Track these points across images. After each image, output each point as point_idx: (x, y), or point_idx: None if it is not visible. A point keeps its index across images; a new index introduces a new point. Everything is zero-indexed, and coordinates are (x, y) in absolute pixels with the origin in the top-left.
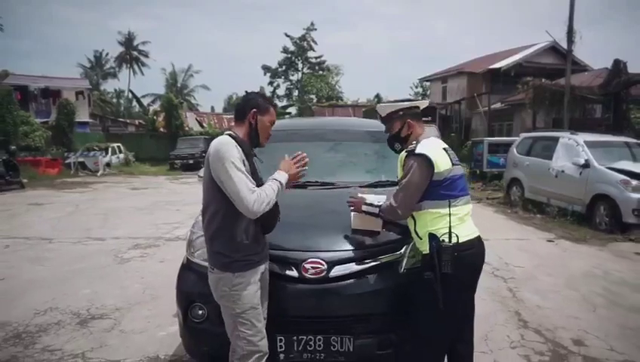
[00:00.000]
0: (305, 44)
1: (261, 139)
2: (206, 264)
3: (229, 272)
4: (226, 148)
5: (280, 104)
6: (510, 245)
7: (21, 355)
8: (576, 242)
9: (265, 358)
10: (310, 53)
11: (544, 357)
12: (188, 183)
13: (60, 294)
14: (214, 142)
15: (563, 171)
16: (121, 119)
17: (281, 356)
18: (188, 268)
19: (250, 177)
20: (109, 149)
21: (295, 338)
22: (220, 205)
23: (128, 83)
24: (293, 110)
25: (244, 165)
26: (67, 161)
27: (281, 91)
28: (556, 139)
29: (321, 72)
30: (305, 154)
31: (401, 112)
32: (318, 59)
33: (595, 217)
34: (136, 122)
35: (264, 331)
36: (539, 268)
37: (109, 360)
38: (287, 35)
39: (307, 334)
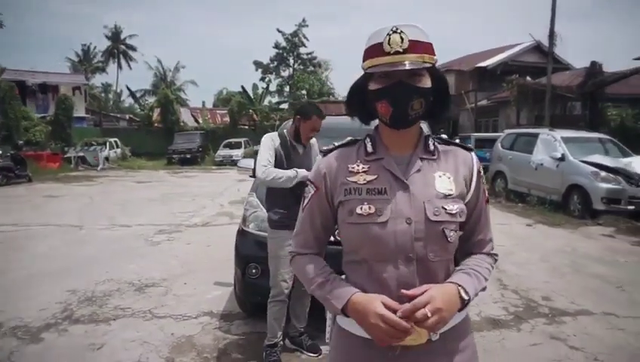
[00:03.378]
0: (297, 40)
1: (302, 138)
2: (258, 233)
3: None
4: (264, 140)
5: (272, 100)
6: (494, 229)
7: (99, 312)
8: (552, 226)
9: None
10: (302, 50)
11: (519, 309)
12: (189, 177)
13: (111, 269)
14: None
15: (542, 164)
16: (112, 114)
17: None
18: (244, 236)
19: (269, 157)
20: (107, 144)
21: None
22: None
23: (117, 77)
24: (285, 106)
25: (277, 152)
26: (67, 156)
27: (272, 87)
28: (536, 135)
29: (312, 68)
30: None
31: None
32: (309, 55)
33: (570, 205)
34: (127, 117)
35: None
36: (517, 246)
37: (173, 314)
38: (279, 31)
39: None
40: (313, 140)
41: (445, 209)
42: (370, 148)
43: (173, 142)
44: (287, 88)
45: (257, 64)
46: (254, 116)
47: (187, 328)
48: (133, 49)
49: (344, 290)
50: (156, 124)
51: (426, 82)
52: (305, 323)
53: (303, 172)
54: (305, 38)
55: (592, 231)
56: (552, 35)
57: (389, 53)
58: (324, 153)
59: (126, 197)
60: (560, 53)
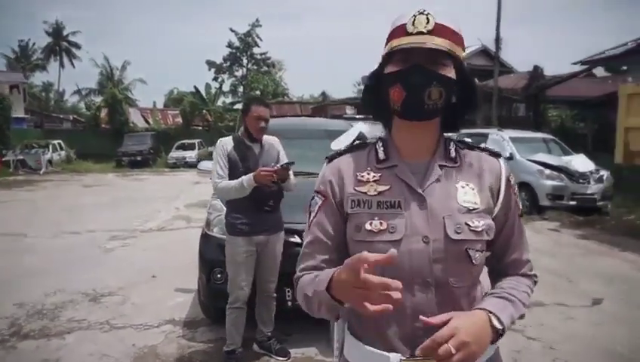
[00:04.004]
0: (250, 40)
1: (254, 134)
2: (223, 236)
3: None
4: (215, 149)
5: (226, 101)
6: None
7: (51, 325)
8: None
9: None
10: (255, 50)
11: None
12: (141, 180)
13: (62, 279)
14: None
15: None
16: (55, 114)
17: (289, 303)
18: (208, 240)
19: (220, 169)
20: (50, 146)
21: None
22: None
23: (58, 76)
24: (240, 107)
25: (231, 156)
26: (5, 159)
27: (226, 87)
28: (486, 135)
29: (265, 68)
30: (275, 169)
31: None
32: (263, 56)
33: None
34: (71, 117)
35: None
36: None
37: (133, 324)
38: (232, 30)
39: None
40: (274, 139)
41: (469, 225)
42: (382, 155)
43: (122, 144)
44: (240, 88)
45: (210, 63)
46: (208, 117)
47: (149, 338)
48: (77, 46)
49: (326, 273)
50: (103, 125)
51: (450, 72)
52: (272, 327)
53: (245, 179)
54: (258, 38)
55: (539, 226)
56: (498, 39)
57: (411, 34)
58: (330, 159)
59: (73, 203)
60: (504, 56)
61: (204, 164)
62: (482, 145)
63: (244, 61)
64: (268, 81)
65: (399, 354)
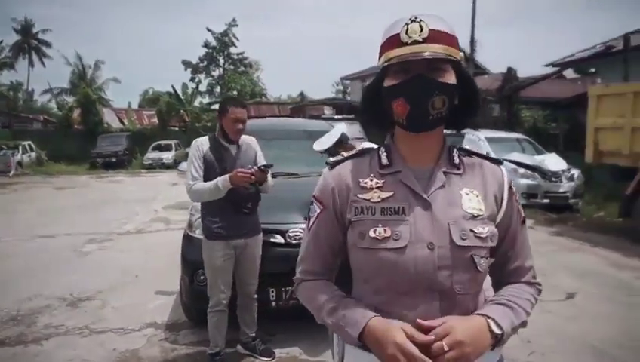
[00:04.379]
0: (227, 39)
1: (230, 135)
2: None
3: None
4: (190, 150)
5: (203, 101)
6: None
7: (27, 332)
8: None
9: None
10: (232, 49)
11: None
12: (116, 182)
13: (37, 284)
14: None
15: None
16: (24, 114)
17: (273, 303)
18: (190, 242)
19: (194, 171)
20: (19, 148)
21: (283, 289)
22: None
23: (28, 75)
24: (217, 107)
25: (207, 157)
26: None
27: (203, 87)
28: (463, 135)
29: (243, 68)
30: (252, 170)
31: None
32: (240, 55)
33: None
34: (41, 118)
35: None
36: None
37: (114, 328)
38: (209, 30)
39: (292, 286)
40: (252, 139)
41: (474, 232)
42: (385, 160)
43: (96, 145)
44: (218, 89)
45: (186, 63)
46: (185, 117)
47: (131, 341)
48: (47, 45)
49: (360, 315)
50: (76, 126)
51: (450, 78)
52: (255, 328)
53: (220, 180)
54: (235, 37)
55: None
56: (472, 41)
57: (406, 44)
58: (332, 165)
59: (47, 205)
60: (479, 58)
61: (184, 166)
62: (483, 153)
63: (221, 61)
64: (245, 81)
65: None
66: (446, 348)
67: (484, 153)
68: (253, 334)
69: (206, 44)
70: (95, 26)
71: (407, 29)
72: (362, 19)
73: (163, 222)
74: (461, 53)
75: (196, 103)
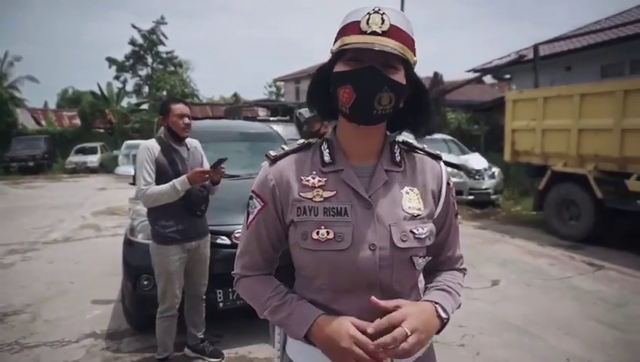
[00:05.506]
0: (155, 37)
1: (179, 133)
2: (149, 242)
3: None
4: (139, 154)
5: (131, 101)
6: None
7: None
8: None
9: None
10: (161, 48)
11: None
12: (35, 188)
13: None
14: (140, 146)
15: None
16: None
17: (221, 304)
18: (133, 247)
19: (147, 175)
20: None
21: (230, 290)
22: None
23: None
24: (146, 107)
25: (159, 161)
26: None
27: (129, 87)
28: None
29: (172, 68)
30: (208, 168)
31: (319, 116)
32: (169, 55)
33: None
34: None
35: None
36: None
37: (48, 341)
38: (135, 27)
39: None
40: (196, 142)
41: (414, 233)
42: (327, 158)
43: (10, 149)
44: (146, 88)
45: (111, 61)
46: (111, 118)
47: (69, 354)
48: None
49: (306, 312)
50: None
51: (401, 77)
52: (204, 329)
53: (177, 182)
54: (164, 36)
55: None
56: None
57: (365, 33)
58: (273, 160)
59: None
60: None
61: (123, 169)
62: (423, 147)
63: (149, 60)
64: (176, 81)
65: None
66: (409, 333)
67: (424, 147)
68: (202, 336)
69: (132, 42)
70: (9, 20)
71: (369, 18)
72: (293, 22)
73: (93, 228)
74: (415, 58)
75: (123, 104)
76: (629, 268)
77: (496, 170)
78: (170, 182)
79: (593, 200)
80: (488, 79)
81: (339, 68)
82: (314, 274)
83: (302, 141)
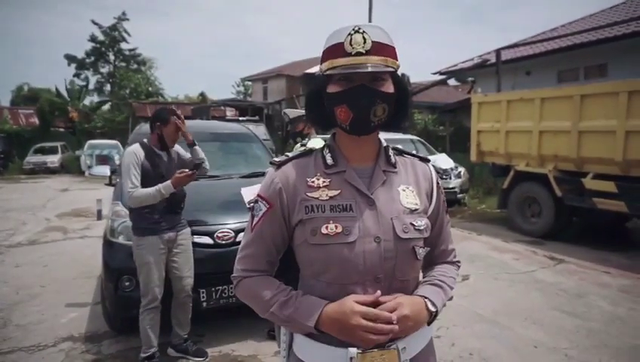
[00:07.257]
0: (116, 34)
1: (169, 143)
2: (129, 243)
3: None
4: (125, 158)
5: (93, 99)
6: None
7: None
8: None
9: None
10: (123, 45)
11: None
12: None
13: None
14: (125, 150)
15: None
16: None
17: (204, 304)
18: (113, 248)
19: (133, 178)
20: None
21: (213, 289)
22: None
23: None
24: (107, 107)
25: (144, 165)
26: None
27: (91, 85)
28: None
29: (136, 66)
30: (191, 172)
31: (304, 117)
32: (133, 52)
33: None
34: None
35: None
36: None
37: (24, 346)
38: (95, 23)
39: (222, 285)
40: (177, 147)
41: (414, 225)
42: (330, 160)
43: None
44: (108, 87)
45: (70, 58)
46: (73, 117)
47: (47, 358)
48: None
49: (312, 305)
50: None
51: (389, 87)
52: (189, 329)
53: (162, 186)
54: (126, 32)
55: None
56: None
57: (350, 54)
58: (278, 165)
59: None
60: None
61: (98, 170)
62: (412, 152)
63: (111, 57)
64: (139, 79)
65: (355, 348)
66: (394, 320)
67: (414, 152)
68: (186, 335)
69: (93, 39)
70: None
71: (351, 39)
72: (259, 21)
73: (60, 231)
74: (398, 62)
75: (86, 102)
76: (586, 261)
77: (461, 169)
78: (157, 186)
79: (553, 198)
80: (452, 81)
81: (332, 89)
82: (322, 270)
83: (302, 148)
